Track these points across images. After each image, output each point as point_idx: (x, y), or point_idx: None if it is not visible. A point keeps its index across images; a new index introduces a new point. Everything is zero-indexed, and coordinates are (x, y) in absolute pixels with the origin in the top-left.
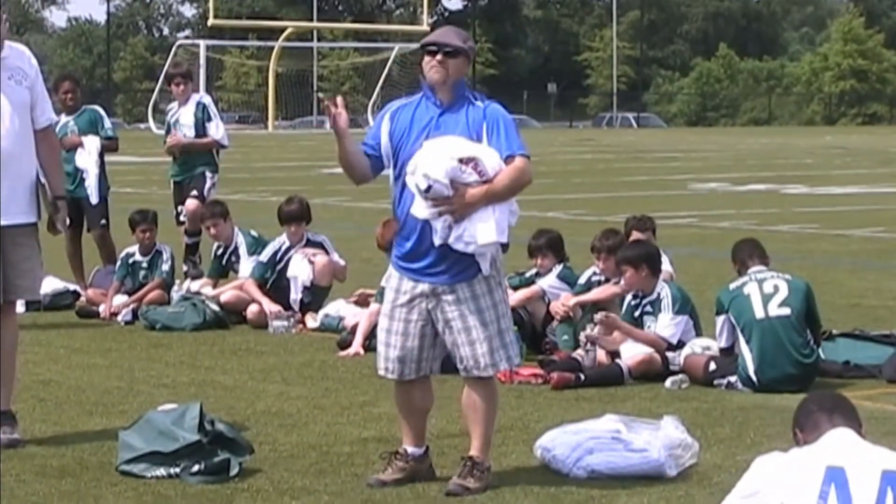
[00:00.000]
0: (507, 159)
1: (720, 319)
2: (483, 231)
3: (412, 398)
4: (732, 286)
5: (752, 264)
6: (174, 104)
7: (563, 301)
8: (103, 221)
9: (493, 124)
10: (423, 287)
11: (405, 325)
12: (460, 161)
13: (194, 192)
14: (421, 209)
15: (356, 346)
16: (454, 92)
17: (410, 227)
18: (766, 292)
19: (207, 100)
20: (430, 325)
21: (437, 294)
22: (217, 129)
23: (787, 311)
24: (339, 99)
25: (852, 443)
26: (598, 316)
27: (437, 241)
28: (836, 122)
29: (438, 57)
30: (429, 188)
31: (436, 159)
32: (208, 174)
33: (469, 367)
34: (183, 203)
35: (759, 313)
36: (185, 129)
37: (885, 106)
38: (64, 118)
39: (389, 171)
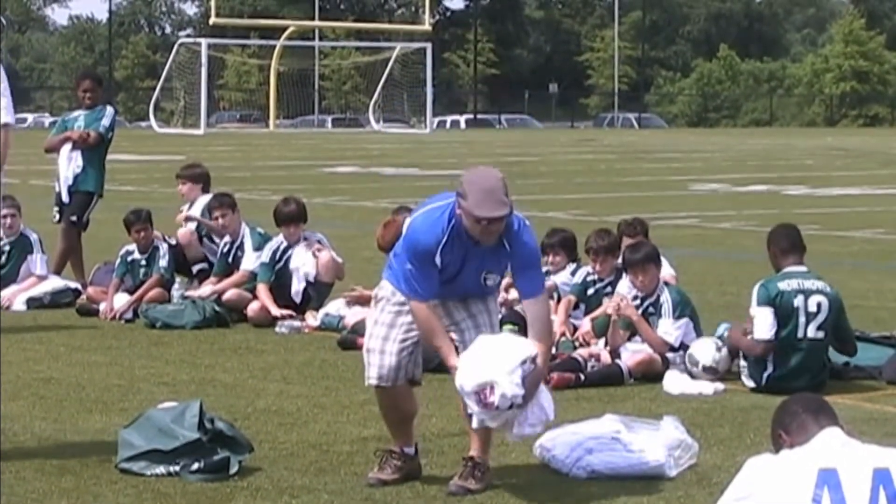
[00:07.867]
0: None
1: (764, 311)
2: (549, 404)
3: (399, 403)
4: (781, 285)
5: (789, 260)
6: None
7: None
8: (73, 218)
9: (523, 263)
10: None
11: (405, 333)
12: (522, 362)
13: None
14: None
15: None
16: None
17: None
18: (810, 311)
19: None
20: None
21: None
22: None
23: (822, 334)
24: None
25: (843, 442)
26: (612, 309)
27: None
28: (836, 124)
29: (485, 224)
30: (511, 405)
31: (503, 370)
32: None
33: None
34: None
35: (800, 333)
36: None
37: (886, 108)
38: (77, 112)
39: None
